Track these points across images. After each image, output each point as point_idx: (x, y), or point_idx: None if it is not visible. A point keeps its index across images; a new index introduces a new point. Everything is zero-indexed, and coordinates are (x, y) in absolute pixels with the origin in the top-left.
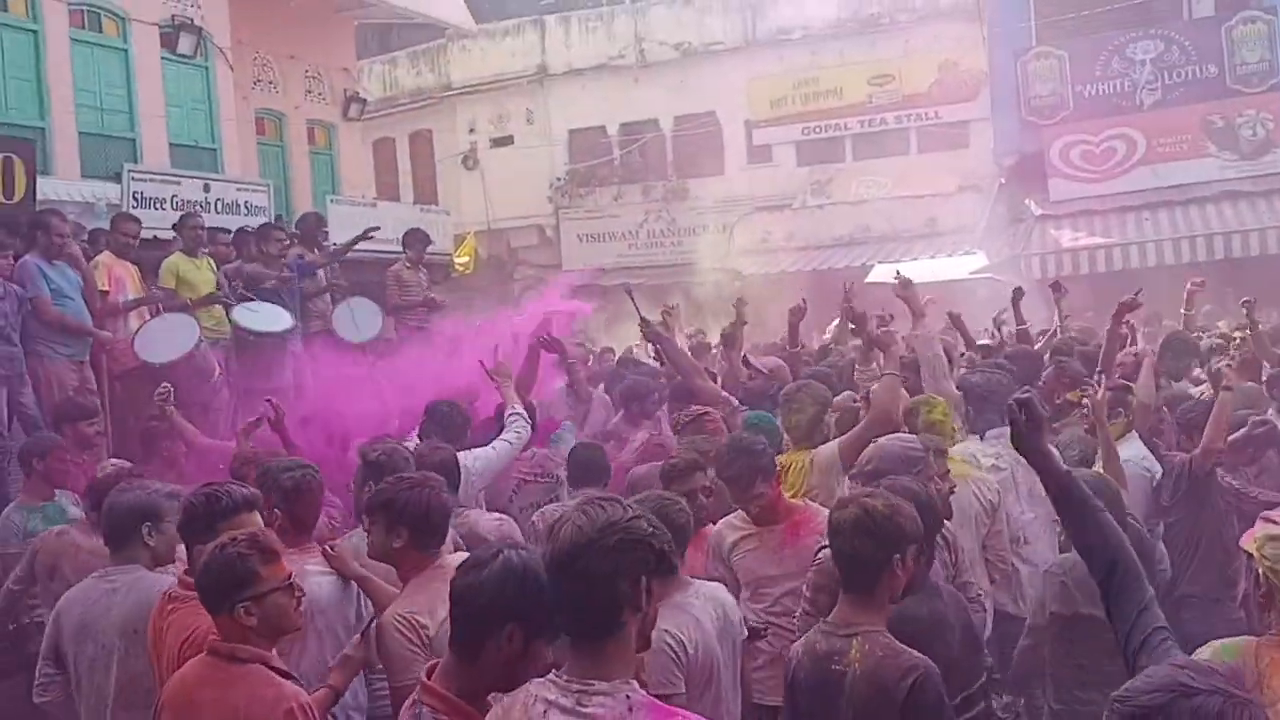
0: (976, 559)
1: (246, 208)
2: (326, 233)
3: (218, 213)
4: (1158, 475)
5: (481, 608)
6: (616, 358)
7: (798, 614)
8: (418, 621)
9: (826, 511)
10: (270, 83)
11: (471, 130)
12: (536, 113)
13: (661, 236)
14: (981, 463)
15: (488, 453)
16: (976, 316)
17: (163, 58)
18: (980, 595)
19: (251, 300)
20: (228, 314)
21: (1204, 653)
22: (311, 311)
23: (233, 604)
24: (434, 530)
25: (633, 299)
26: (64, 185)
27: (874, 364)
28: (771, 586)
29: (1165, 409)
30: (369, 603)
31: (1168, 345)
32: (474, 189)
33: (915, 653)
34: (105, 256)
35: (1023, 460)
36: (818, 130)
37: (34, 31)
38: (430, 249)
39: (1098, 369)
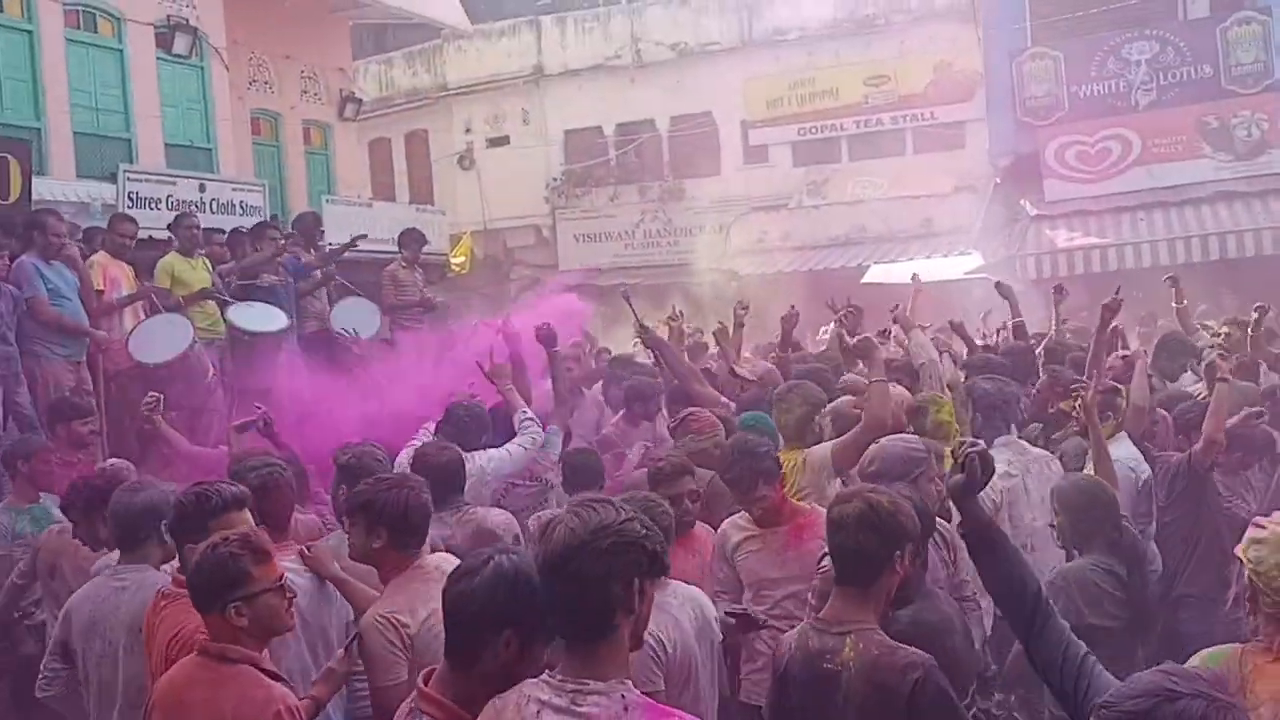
0: None
1: (242, 208)
2: (323, 232)
3: (213, 213)
4: (1144, 477)
5: (475, 615)
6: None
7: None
8: (399, 621)
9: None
10: (266, 83)
11: (467, 130)
12: (532, 113)
13: (658, 237)
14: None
15: (501, 454)
16: (972, 317)
17: (158, 58)
18: (975, 595)
19: (247, 299)
20: (222, 313)
21: (1193, 662)
22: (307, 311)
23: (224, 604)
24: (413, 530)
25: (630, 304)
26: (59, 185)
27: (858, 365)
28: (773, 589)
29: (1161, 410)
30: (348, 606)
31: (1163, 346)
32: (470, 189)
33: (911, 649)
34: (100, 256)
35: (1031, 469)
36: (814, 131)
37: (29, 32)
38: (426, 249)
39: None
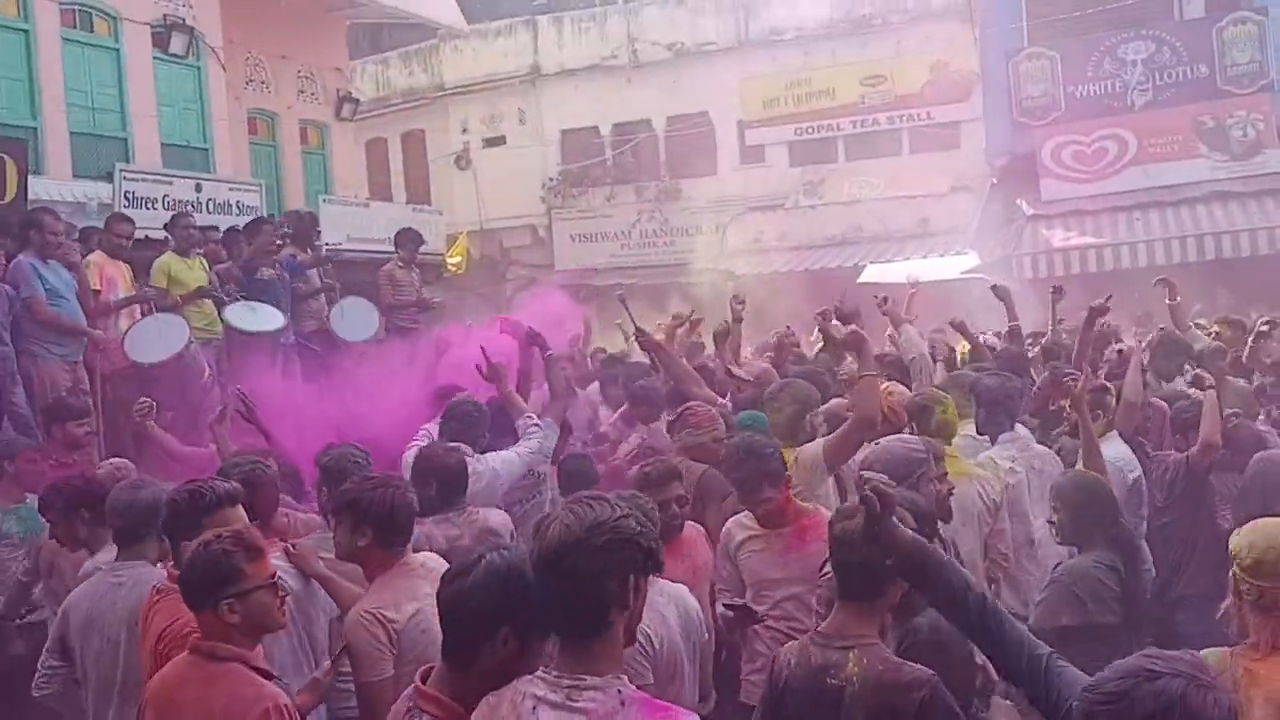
0: (977, 559)
1: (239, 208)
2: (319, 232)
3: (210, 212)
4: (1133, 477)
5: (471, 613)
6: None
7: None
8: (385, 616)
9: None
10: (262, 82)
11: (464, 130)
12: (529, 113)
13: (654, 237)
14: (1000, 465)
15: (510, 458)
16: (972, 316)
17: (154, 57)
18: None
19: (244, 297)
20: (220, 313)
21: None
22: (305, 311)
23: (217, 601)
24: (398, 529)
25: (626, 307)
26: (55, 185)
27: (847, 359)
28: (774, 590)
29: (1156, 401)
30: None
31: (1160, 345)
32: (466, 189)
33: (915, 666)
34: (97, 256)
35: (1035, 465)
36: (810, 131)
37: (25, 31)
38: (423, 249)
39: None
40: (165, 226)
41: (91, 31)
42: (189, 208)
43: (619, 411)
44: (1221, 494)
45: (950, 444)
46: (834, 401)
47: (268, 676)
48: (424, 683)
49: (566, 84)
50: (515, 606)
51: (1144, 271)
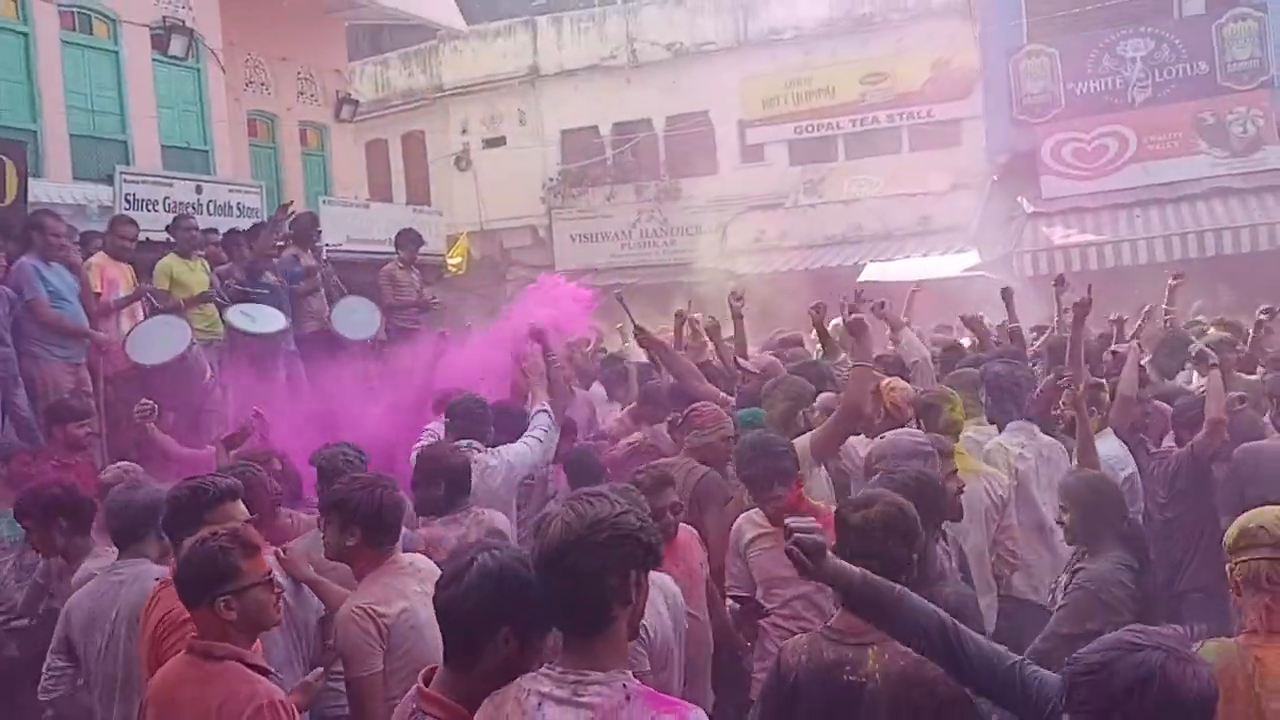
0: (985, 556)
1: (239, 209)
2: (320, 233)
3: (210, 214)
4: (1124, 474)
5: (467, 615)
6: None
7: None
8: (376, 611)
9: None
10: (262, 84)
11: (464, 131)
12: (529, 113)
13: (654, 236)
14: (1010, 451)
15: (522, 449)
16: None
17: (154, 59)
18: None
19: (246, 300)
20: (221, 316)
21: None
22: (306, 311)
23: (213, 597)
24: (387, 528)
25: (625, 306)
26: (55, 188)
27: (841, 355)
28: (783, 588)
29: (1156, 402)
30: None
31: (1163, 343)
32: (466, 190)
33: (933, 664)
34: (99, 258)
35: (1044, 452)
36: (810, 129)
37: (24, 34)
38: (423, 250)
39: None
40: (167, 228)
41: (91, 34)
42: (190, 209)
43: (627, 409)
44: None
45: (957, 441)
46: (824, 396)
47: (264, 673)
48: (426, 684)
49: (566, 84)
50: (512, 606)
51: (1145, 268)
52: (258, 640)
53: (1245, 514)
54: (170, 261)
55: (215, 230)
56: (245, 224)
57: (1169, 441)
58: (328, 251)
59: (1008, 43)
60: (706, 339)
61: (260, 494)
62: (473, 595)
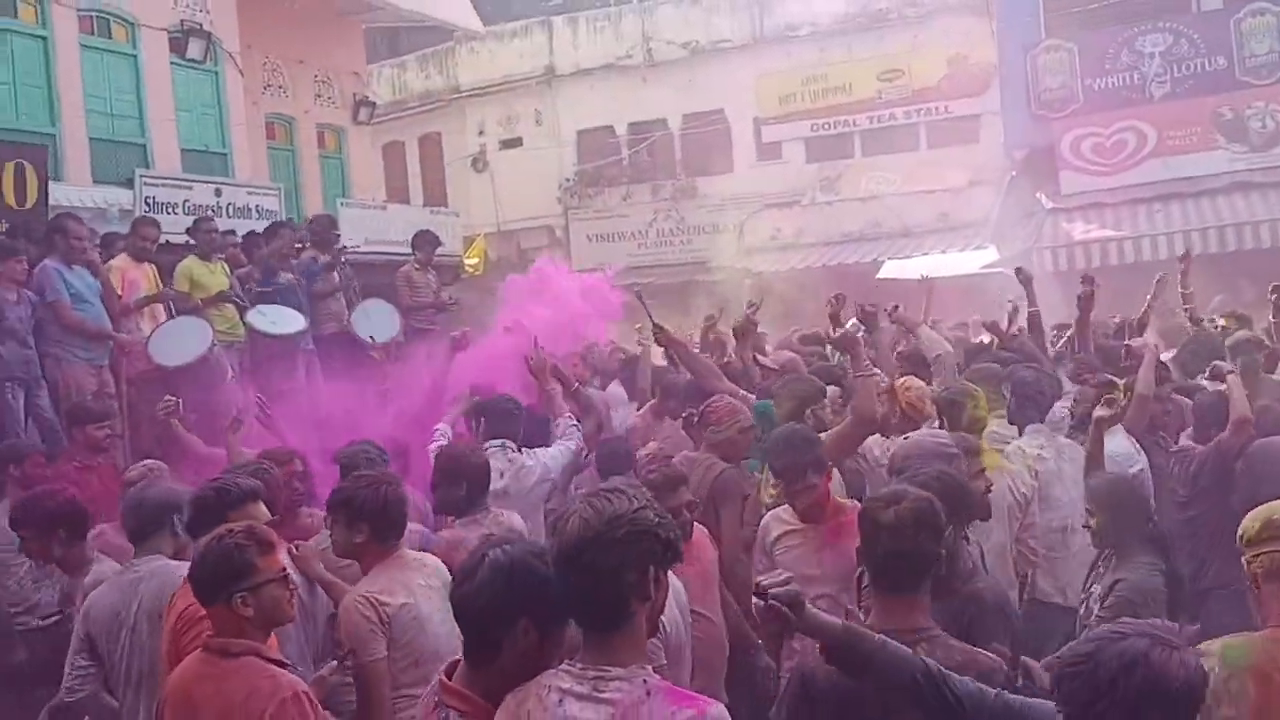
0: (1008, 553)
1: (258, 212)
2: (338, 235)
3: (229, 217)
4: (1132, 472)
5: (481, 610)
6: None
7: None
8: (378, 600)
9: None
10: (280, 87)
11: (480, 132)
12: (545, 114)
13: (671, 235)
14: (1029, 454)
15: (556, 454)
16: (991, 310)
17: (172, 63)
18: None
19: (265, 301)
20: (241, 317)
21: (1213, 648)
22: (325, 313)
23: (229, 594)
24: (393, 524)
25: (644, 304)
26: (76, 191)
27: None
28: (808, 587)
29: (1177, 397)
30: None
31: (1188, 343)
32: (483, 191)
33: (987, 653)
34: (120, 260)
35: (1064, 452)
36: (827, 126)
37: (44, 38)
38: (440, 251)
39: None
40: (188, 230)
41: (109, 38)
42: (209, 212)
43: (648, 405)
44: None
45: (981, 437)
46: (832, 389)
47: (282, 666)
48: (449, 678)
49: (582, 84)
50: (527, 598)
51: (1165, 264)
52: (272, 635)
53: (1264, 506)
54: (190, 264)
55: (234, 232)
56: (264, 227)
57: (1186, 438)
58: (346, 254)
59: (1025, 38)
60: (731, 337)
61: (277, 493)
62: (485, 590)
